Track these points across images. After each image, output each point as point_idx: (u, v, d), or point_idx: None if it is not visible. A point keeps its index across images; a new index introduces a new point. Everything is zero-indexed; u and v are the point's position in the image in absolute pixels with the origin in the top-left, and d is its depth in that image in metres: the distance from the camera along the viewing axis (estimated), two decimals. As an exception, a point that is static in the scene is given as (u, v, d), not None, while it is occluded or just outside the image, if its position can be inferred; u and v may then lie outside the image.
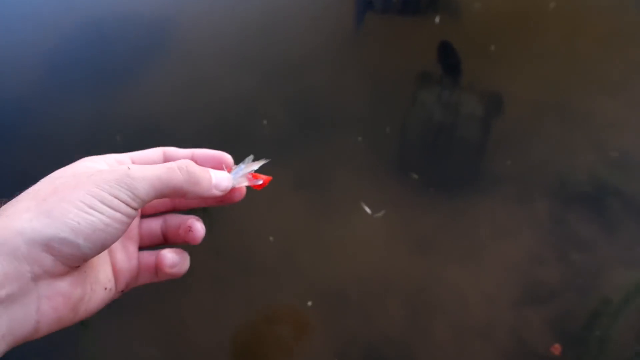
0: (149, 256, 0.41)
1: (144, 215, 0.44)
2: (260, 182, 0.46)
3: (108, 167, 0.37)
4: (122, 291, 0.40)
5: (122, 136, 1.06)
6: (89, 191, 0.32)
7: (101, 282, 0.37)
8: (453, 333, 0.82)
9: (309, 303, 0.86)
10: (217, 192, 0.42)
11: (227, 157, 0.44)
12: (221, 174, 0.42)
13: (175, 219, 0.43)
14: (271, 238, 0.90)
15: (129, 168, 0.35)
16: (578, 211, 0.89)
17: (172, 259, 0.40)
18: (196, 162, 0.41)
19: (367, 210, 0.93)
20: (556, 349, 0.77)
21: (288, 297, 0.87)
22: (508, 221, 0.91)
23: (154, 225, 0.43)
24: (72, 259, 0.32)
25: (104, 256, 0.38)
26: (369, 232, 0.92)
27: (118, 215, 0.33)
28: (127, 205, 0.33)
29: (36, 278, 0.31)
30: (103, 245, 0.33)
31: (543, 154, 0.97)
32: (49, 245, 0.31)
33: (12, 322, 0.30)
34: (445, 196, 0.94)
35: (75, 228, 0.31)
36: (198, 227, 0.41)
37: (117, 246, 0.40)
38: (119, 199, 0.33)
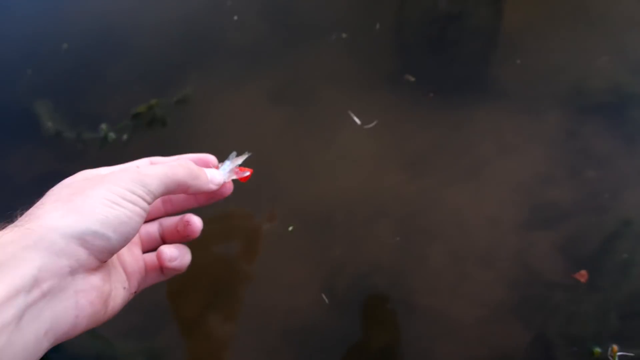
0: (153, 257, 0.45)
1: None
2: (247, 174, 0.53)
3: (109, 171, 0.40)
4: (134, 292, 0.42)
5: (70, 45, 0.90)
6: (109, 189, 0.35)
7: (120, 281, 0.40)
8: (451, 260, 0.72)
9: (290, 228, 0.76)
10: (213, 186, 0.46)
11: (211, 158, 0.50)
12: (213, 171, 0.47)
13: (169, 221, 0.48)
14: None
15: (137, 167, 0.39)
16: (595, 123, 0.78)
17: (171, 253, 0.43)
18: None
19: (356, 120, 0.81)
20: (582, 275, 0.68)
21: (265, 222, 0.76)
22: (515, 135, 0.79)
23: (152, 229, 0.47)
24: (104, 252, 0.34)
25: (115, 259, 0.40)
26: (358, 150, 0.80)
27: (137, 209, 0.35)
28: (143, 200, 0.36)
29: (73, 272, 0.32)
30: (127, 238, 0.35)
31: (556, 58, 0.84)
32: (83, 239, 0.32)
33: (54, 318, 0.31)
34: (444, 104, 0.82)
35: (105, 222, 0.33)
36: (195, 220, 0.45)
37: (123, 251, 0.42)
38: (136, 195, 0.36)
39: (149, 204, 0.37)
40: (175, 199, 0.51)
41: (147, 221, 0.48)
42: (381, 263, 0.73)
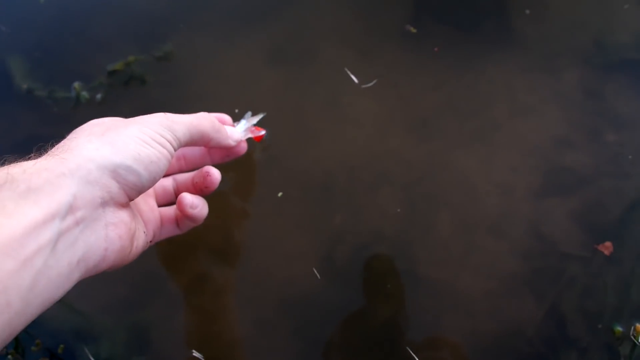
0: (168, 210, 0.46)
1: None
2: (262, 133, 0.56)
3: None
4: (150, 241, 0.43)
5: (8, 27, 0.83)
6: (140, 130, 0.36)
7: (140, 225, 0.41)
8: (459, 229, 0.67)
9: (279, 194, 0.71)
10: (231, 142, 0.49)
11: (227, 117, 0.52)
12: (231, 128, 0.50)
13: (184, 176, 0.49)
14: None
15: (165, 114, 0.39)
16: (617, 82, 0.72)
17: (192, 200, 0.43)
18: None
19: (354, 79, 0.75)
20: (606, 247, 0.63)
21: (262, 188, 0.71)
22: (529, 94, 0.73)
23: (166, 183, 0.48)
24: (133, 189, 0.35)
25: (132, 206, 0.40)
26: (359, 111, 0.74)
27: (165, 151, 0.37)
28: (170, 144, 0.38)
29: (104, 204, 0.33)
30: (154, 178, 0.37)
31: (575, 8, 0.77)
32: (116, 172, 0.34)
33: (86, 247, 0.32)
34: (450, 61, 0.76)
35: (137, 158, 0.35)
36: (214, 171, 0.46)
37: (139, 200, 0.43)
38: (164, 138, 0.37)
39: (175, 150, 0.39)
40: (189, 156, 0.52)
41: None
42: (384, 232, 0.68)
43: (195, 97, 0.74)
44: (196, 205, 0.44)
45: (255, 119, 0.57)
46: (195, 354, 0.63)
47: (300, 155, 0.72)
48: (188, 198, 0.43)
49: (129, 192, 0.35)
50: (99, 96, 0.75)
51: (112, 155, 0.34)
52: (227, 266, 0.68)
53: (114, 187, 0.34)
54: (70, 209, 0.31)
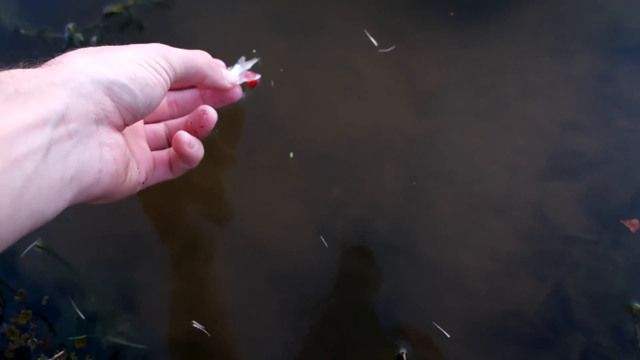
0: (160, 154, 0.44)
1: (145, 123, 0.47)
2: (257, 77, 0.55)
3: None
4: (143, 182, 0.41)
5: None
6: (135, 53, 0.34)
7: (134, 162, 0.38)
8: (461, 208, 0.65)
9: (291, 154, 0.68)
10: (227, 83, 0.48)
11: (220, 62, 0.51)
12: (226, 70, 0.50)
13: (176, 122, 0.47)
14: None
15: (161, 44, 0.38)
16: (631, 66, 0.70)
17: (190, 138, 0.41)
18: None
19: (373, 41, 0.72)
20: (633, 224, 0.61)
21: (259, 154, 0.68)
22: (539, 76, 0.71)
23: (158, 128, 0.47)
24: (129, 111, 0.33)
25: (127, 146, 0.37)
26: (364, 81, 0.71)
27: (161, 78, 0.36)
28: (166, 72, 0.37)
29: (98, 122, 0.31)
30: (150, 105, 0.35)
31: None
32: (110, 89, 0.32)
33: (80, 164, 0.30)
34: (461, 36, 0.73)
35: (133, 77, 0.33)
36: (210, 110, 0.44)
37: (130, 140, 0.40)
38: (160, 65, 0.36)
39: (171, 80, 0.37)
40: (181, 101, 0.50)
41: (152, 122, 0.47)
42: (384, 207, 0.66)
43: (193, 46, 0.71)
44: (193, 143, 0.42)
45: (250, 64, 0.56)
46: (196, 324, 0.60)
47: (301, 123, 0.69)
48: (185, 135, 0.42)
49: (124, 114, 0.33)
50: (94, 39, 0.71)
51: (107, 71, 0.32)
52: (218, 233, 0.65)
53: (108, 104, 0.32)
54: (63, 119, 0.29)
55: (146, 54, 0.35)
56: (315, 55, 0.72)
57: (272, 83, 0.69)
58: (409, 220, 0.64)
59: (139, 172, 0.40)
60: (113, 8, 0.72)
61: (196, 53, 0.42)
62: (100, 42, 0.71)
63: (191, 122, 0.45)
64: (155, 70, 0.35)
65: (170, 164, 0.45)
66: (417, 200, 0.65)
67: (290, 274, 0.63)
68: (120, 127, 0.35)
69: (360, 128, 0.69)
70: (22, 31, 0.71)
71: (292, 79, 0.71)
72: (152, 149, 0.46)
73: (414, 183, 0.66)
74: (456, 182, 0.66)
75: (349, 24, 0.74)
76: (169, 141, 0.48)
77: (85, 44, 0.71)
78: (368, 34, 0.72)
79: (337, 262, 0.63)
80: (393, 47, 0.71)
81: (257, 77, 0.57)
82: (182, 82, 0.42)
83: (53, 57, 0.34)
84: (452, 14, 0.74)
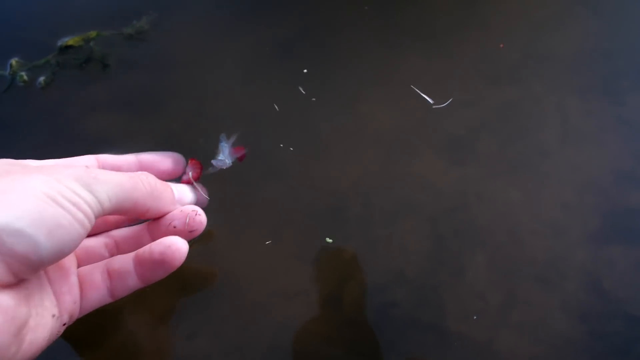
0: (91, 271, 0.35)
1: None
2: (243, 152, 0.52)
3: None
4: (64, 324, 0.32)
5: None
6: (46, 182, 0.26)
7: (47, 307, 0.29)
8: (497, 274, 0.54)
9: (328, 240, 0.57)
10: (177, 208, 0.39)
11: (178, 159, 0.43)
12: (182, 186, 0.41)
13: (125, 232, 0.39)
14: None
15: (87, 167, 0.29)
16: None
17: (181, 247, 0.35)
18: (146, 169, 0.38)
19: (428, 99, 0.63)
20: None
21: (256, 208, 0.58)
22: (584, 119, 0.61)
23: (92, 243, 0.38)
24: (25, 264, 0.25)
25: (43, 277, 0.30)
26: (378, 123, 0.62)
27: (80, 215, 0.27)
28: (90, 207, 0.27)
29: None
30: (61, 251, 0.26)
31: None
32: None
33: None
34: (494, 69, 0.64)
35: (37, 218, 0.24)
36: (201, 211, 0.39)
37: (43, 284, 0.30)
38: (80, 198, 0.27)
39: (95, 217, 0.28)
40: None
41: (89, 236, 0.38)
42: (405, 273, 0.55)
43: (168, 95, 0.61)
44: (184, 250, 0.35)
45: (232, 139, 0.52)
46: None
47: (306, 171, 0.59)
48: (181, 244, 0.35)
49: (17, 269, 0.24)
50: (41, 79, 0.58)
51: None
52: (208, 301, 0.55)
53: None
54: None
55: (63, 183, 0.27)
56: (320, 93, 0.63)
57: (270, 122, 0.60)
58: (435, 289, 0.54)
59: (58, 315, 0.31)
60: (70, 40, 0.60)
61: (135, 181, 0.32)
62: (50, 84, 0.58)
63: (175, 226, 0.37)
64: (73, 203, 0.27)
65: (112, 288, 0.36)
66: (444, 265, 0.55)
67: (294, 351, 0.52)
68: (10, 285, 0.26)
69: (376, 177, 0.59)
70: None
71: (293, 118, 0.61)
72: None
73: (440, 243, 0.55)
74: (490, 244, 0.56)
75: (358, 59, 0.65)
76: (112, 256, 0.39)
77: (31, 84, 0.59)
78: (418, 91, 0.62)
79: (350, 338, 0.52)
80: (450, 100, 0.61)
81: (243, 151, 0.52)
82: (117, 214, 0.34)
83: None
84: (501, 45, 0.65)
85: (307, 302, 0.54)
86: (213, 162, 0.47)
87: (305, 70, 0.62)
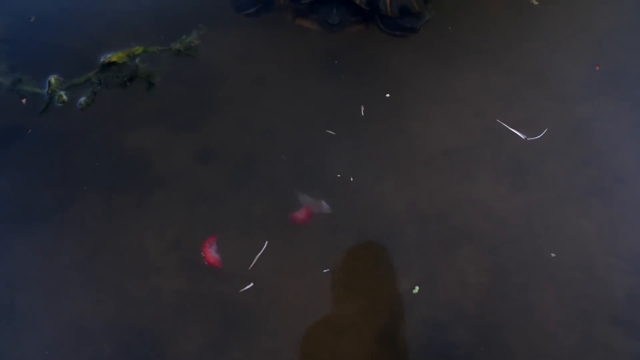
0: None
1: None
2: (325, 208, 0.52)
3: None
4: None
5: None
6: None
7: None
8: (568, 313, 0.49)
9: (415, 290, 0.53)
10: None
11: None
12: None
13: None
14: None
15: None
16: None
17: None
18: None
19: (520, 135, 0.59)
20: None
21: (310, 235, 0.54)
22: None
23: None
24: None
25: None
26: (431, 145, 0.57)
27: None
28: None
29: None
30: None
31: None
32: None
33: None
34: (559, 86, 0.59)
35: None
36: None
37: None
38: None
39: None
40: None
41: None
42: (464, 308, 0.50)
43: (218, 121, 0.57)
44: None
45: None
46: None
47: (359, 195, 0.55)
48: None
49: None
50: (82, 100, 0.54)
51: None
52: (257, 336, 0.51)
53: None
54: None
55: None
56: (378, 110, 0.59)
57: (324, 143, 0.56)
58: (498, 328, 0.49)
59: None
60: (114, 56, 0.55)
61: None
62: (89, 105, 0.54)
63: None
64: None
65: None
66: (508, 301, 0.50)
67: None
68: None
69: (434, 201, 0.55)
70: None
71: (344, 139, 0.58)
72: None
73: (502, 277, 0.51)
74: (559, 279, 0.51)
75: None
76: None
77: (70, 105, 0.54)
78: (506, 125, 0.58)
79: (402, 380, 0.48)
80: (545, 131, 0.56)
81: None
82: None
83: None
84: (597, 67, 0.60)
85: (357, 339, 0.50)
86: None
87: (387, 95, 0.58)
